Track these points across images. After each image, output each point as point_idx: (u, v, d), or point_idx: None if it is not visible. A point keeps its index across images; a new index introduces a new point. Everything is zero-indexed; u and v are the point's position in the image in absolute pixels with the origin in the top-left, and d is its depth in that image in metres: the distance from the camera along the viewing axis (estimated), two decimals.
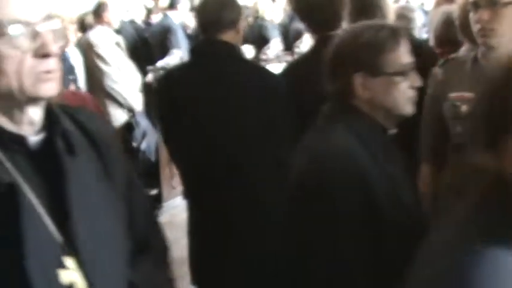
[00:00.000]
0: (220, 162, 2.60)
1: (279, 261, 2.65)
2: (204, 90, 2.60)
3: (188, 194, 2.80)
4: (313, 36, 2.80)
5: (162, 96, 2.81)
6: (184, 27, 7.09)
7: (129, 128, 5.52)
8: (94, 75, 5.49)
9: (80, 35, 6.43)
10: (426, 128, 2.55)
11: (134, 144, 5.47)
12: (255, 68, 2.87)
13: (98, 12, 5.56)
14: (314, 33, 2.74)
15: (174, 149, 2.83)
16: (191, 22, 7.37)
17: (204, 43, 2.73)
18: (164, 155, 6.02)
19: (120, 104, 5.53)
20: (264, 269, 2.64)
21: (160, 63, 6.14)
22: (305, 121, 2.58)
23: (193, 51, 2.86)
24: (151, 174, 6.20)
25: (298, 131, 2.62)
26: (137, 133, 5.49)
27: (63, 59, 5.00)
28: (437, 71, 2.54)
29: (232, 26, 2.63)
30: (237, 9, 2.66)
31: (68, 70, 5.15)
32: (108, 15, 5.55)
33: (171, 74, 2.90)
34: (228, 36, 2.62)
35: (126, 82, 5.54)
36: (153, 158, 5.67)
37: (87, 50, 5.47)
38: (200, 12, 2.71)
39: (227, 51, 2.63)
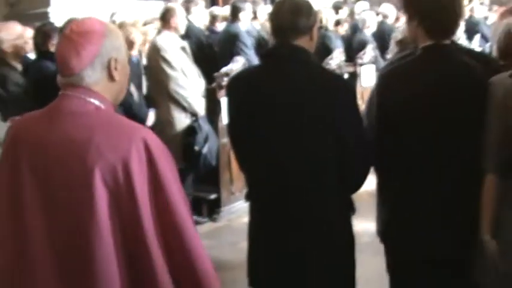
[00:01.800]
0: (286, 165, 2.61)
1: (339, 265, 2.70)
2: (275, 94, 2.60)
3: (251, 196, 2.80)
4: (424, 41, 2.66)
5: (231, 99, 2.82)
6: (250, 34, 7.15)
7: (191, 132, 5.58)
8: (159, 79, 5.60)
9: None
10: (492, 138, 2.53)
11: (196, 148, 5.52)
12: (329, 74, 2.84)
13: (165, 18, 5.66)
14: (428, 38, 2.64)
15: (240, 151, 2.84)
16: (255, 29, 7.45)
17: (277, 47, 2.70)
18: (224, 160, 6.10)
19: (183, 108, 5.62)
20: (323, 273, 2.65)
21: (224, 69, 6.21)
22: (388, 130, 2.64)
23: (266, 55, 2.87)
24: (211, 178, 6.29)
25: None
26: (199, 137, 5.55)
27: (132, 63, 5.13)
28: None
29: (307, 32, 2.62)
30: (313, 16, 2.64)
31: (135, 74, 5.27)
32: (175, 20, 5.64)
33: (241, 77, 2.89)
34: (302, 42, 2.61)
35: (191, 87, 5.62)
36: (214, 163, 5.73)
37: (154, 54, 5.58)
38: (275, 16, 2.67)
39: (301, 56, 2.61)
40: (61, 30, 4.64)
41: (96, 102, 1.92)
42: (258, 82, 2.68)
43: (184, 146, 5.60)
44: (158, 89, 5.66)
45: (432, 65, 2.65)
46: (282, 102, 2.58)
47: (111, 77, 1.96)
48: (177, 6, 5.86)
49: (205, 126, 5.68)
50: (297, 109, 2.56)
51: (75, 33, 1.93)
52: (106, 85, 1.96)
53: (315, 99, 2.55)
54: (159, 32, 5.88)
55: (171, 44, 5.60)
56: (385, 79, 2.82)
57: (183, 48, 5.73)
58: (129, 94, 5.04)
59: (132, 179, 1.79)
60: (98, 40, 1.92)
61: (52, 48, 4.68)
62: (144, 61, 5.85)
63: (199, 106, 5.70)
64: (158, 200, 1.84)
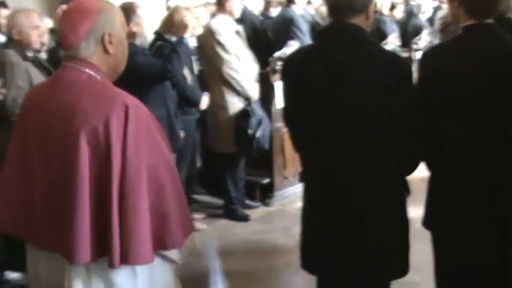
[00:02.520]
0: (341, 147, 2.56)
1: (393, 247, 2.66)
2: (328, 73, 2.54)
3: (305, 178, 2.77)
4: (465, 22, 2.66)
5: (285, 80, 2.78)
6: (304, 18, 7.10)
7: (245, 116, 5.58)
8: (213, 62, 5.59)
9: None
10: None
11: (249, 131, 5.51)
12: (387, 53, 2.74)
13: (221, 1, 5.65)
14: (469, 18, 2.63)
15: (295, 133, 2.81)
16: (310, 14, 7.39)
17: (332, 25, 2.64)
18: (277, 144, 6.09)
19: (236, 92, 5.61)
20: (377, 256, 2.61)
21: (277, 54, 6.18)
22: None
23: (320, 33, 2.81)
24: (264, 163, 6.28)
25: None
26: (253, 121, 5.54)
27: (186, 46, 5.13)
28: None
29: (363, 10, 2.55)
30: None
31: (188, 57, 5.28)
32: (230, 4, 5.63)
33: (295, 58, 2.83)
34: (358, 21, 2.55)
35: (244, 71, 5.60)
36: (267, 146, 5.71)
37: (208, 38, 5.57)
38: None
39: (357, 34, 2.55)
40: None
41: (91, 72, 2.18)
42: (310, 62, 2.63)
43: (237, 129, 5.60)
44: (212, 72, 5.66)
45: (471, 44, 2.65)
46: (336, 81, 2.52)
47: (105, 50, 2.21)
48: None
49: (259, 111, 5.66)
50: (351, 89, 2.50)
51: (72, 11, 2.21)
52: (101, 57, 2.21)
53: (371, 79, 2.49)
54: (213, 15, 5.88)
55: (226, 27, 5.59)
56: (426, 57, 2.86)
57: (237, 32, 5.72)
58: (182, 77, 5.05)
59: (110, 137, 2.06)
60: (93, 16, 2.17)
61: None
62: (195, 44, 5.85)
63: (253, 90, 5.68)
64: (123, 155, 2.09)
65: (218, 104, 5.65)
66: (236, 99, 5.63)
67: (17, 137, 2.34)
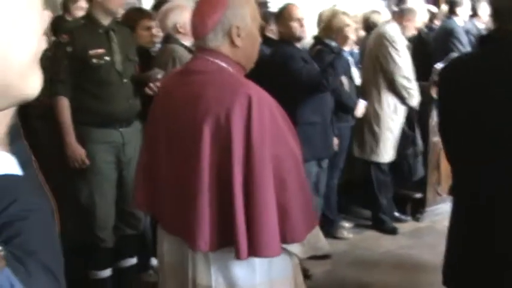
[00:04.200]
0: (496, 166, 2.36)
1: None
2: (488, 84, 2.35)
3: (455, 192, 2.64)
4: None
5: (441, 92, 2.65)
6: (467, 31, 6.84)
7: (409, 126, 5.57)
8: (383, 68, 5.52)
9: (363, 33, 6.56)
10: None
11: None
12: None
13: (403, 13, 5.63)
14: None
15: (449, 148, 2.68)
16: (476, 27, 7.10)
17: (493, 32, 2.47)
18: (433, 159, 5.91)
19: (402, 101, 5.56)
20: None
21: (438, 65, 6.00)
22: None
23: (480, 41, 2.59)
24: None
25: None
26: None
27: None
28: None
29: None
30: None
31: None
32: (411, 19, 5.62)
33: (452, 67, 2.67)
34: None
35: (413, 79, 5.54)
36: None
37: (381, 44, 5.51)
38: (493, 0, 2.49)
39: None
40: (277, 16, 4.75)
41: (220, 63, 2.25)
42: (469, 71, 2.47)
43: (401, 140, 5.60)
44: (376, 79, 5.59)
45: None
46: (496, 93, 2.33)
47: (233, 43, 2.26)
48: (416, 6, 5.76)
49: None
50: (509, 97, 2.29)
51: (203, 3, 2.30)
52: (229, 50, 2.27)
53: None
54: (386, 22, 5.81)
55: (400, 35, 5.54)
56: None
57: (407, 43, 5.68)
58: (340, 83, 5.04)
59: (231, 127, 2.10)
60: (221, 9, 2.23)
61: (269, 33, 4.81)
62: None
63: (416, 100, 5.59)
64: (246, 145, 2.12)
65: (377, 112, 5.59)
66: (399, 109, 5.56)
67: (149, 122, 2.51)
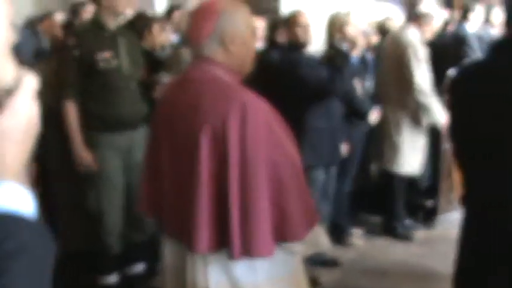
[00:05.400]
0: (506, 166, 2.31)
1: None
2: (499, 91, 2.29)
3: (465, 201, 2.59)
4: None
5: (452, 98, 2.60)
6: (479, 37, 6.77)
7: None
8: (400, 73, 5.41)
9: (376, 39, 6.52)
10: None
11: None
12: None
13: (420, 17, 5.53)
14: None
15: (459, 157, 2.62)
16: (489, 34, 7.04)
17: (505, 38, 2.39)
18: (445, 167, 5.84)
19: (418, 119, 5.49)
20: None
21: (450, 72, 5.95)
22: None
23: (492, 47, 2.51)
24: (430, 184, 6.08)
25: None
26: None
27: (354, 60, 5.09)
28: None
29: None
30: None
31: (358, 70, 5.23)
32: (429, 24, 5.55)
33: (463, 73, 2.61)
34: None
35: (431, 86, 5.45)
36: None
37: (400, 49, 5.41)
38: (506, 5, 2.40)
39: None
40: (285, 22, 4.73)
41: (215, 71, 2.31)
42: (482, 79, 2.40)
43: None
44: (393, 84, 5.50)
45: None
46: (509, 101, 2.26)
47: (227, 50, 2.31)
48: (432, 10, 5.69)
49: None
50: None
51: (196, 13, 2.35)
52: (224, 56, 2.32)
53: None
54: (404, 27, 5.74)
55: (419, 40, 5.45)
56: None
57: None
58: (352, 89, 4.99)
59: (228, 135, 2.16)
60: (214, 17, 2.29)
61: (279, 39, 4.78)
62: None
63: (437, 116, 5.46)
64: (241, 153, 2.18)
65: (396, 119, 5.51)
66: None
67: (152, 129, 2.59)
